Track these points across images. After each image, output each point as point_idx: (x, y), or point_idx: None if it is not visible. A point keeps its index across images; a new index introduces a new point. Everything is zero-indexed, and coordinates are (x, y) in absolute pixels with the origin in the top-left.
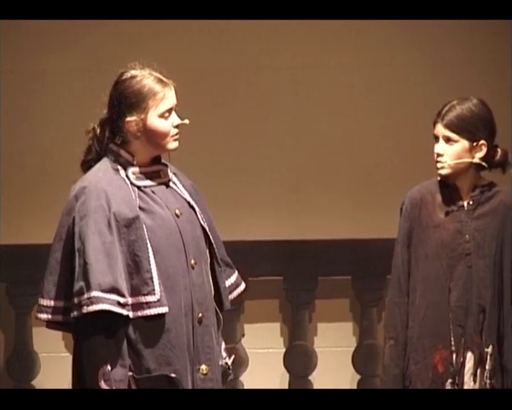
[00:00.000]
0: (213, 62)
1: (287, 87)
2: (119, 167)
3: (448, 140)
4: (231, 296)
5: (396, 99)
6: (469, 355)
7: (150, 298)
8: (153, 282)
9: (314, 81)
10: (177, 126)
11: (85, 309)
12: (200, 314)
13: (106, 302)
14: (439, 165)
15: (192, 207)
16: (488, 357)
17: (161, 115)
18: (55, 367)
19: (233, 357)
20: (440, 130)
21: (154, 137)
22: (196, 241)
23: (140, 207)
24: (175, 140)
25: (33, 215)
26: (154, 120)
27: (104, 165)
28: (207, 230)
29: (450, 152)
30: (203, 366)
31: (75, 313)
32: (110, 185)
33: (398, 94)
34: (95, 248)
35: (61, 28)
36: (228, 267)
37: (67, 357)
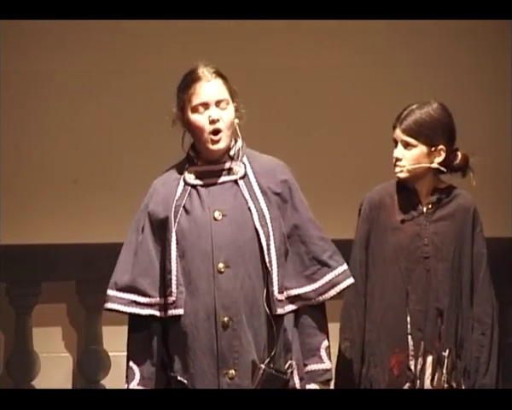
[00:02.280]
0: (213, 63)
1: (287, 87)
2: (187, 165)
3: (406, 145)
4: (327, 295)
5: (396, 99)
6: (430, 360)
7: (169, 299)
8: (171, 283)
9: (314, 81)
10: (213, 122)
11: (104, 307)
12: (226, 319)
13: (116, 302)
14: (397, 169)
15: (249, 208)
16: (445, 361)
17: (194, 109)
18: (55, 367)
19: (289, 363)
20: (399, 134)
21: (192, 132)
22: (238, 245)
23: (184, 207)
24: (214, 141)
25: (33, 215)
26: (188, 114)
27: (179, 162)
28: (261, 233)
29: (409, 157)
30: (231, 371)
31: None
32: (163, 184)
33: (398, 94)
34: (128, 245)
35: (61, 28)
36: (324, 266)
37: (67, 357)
